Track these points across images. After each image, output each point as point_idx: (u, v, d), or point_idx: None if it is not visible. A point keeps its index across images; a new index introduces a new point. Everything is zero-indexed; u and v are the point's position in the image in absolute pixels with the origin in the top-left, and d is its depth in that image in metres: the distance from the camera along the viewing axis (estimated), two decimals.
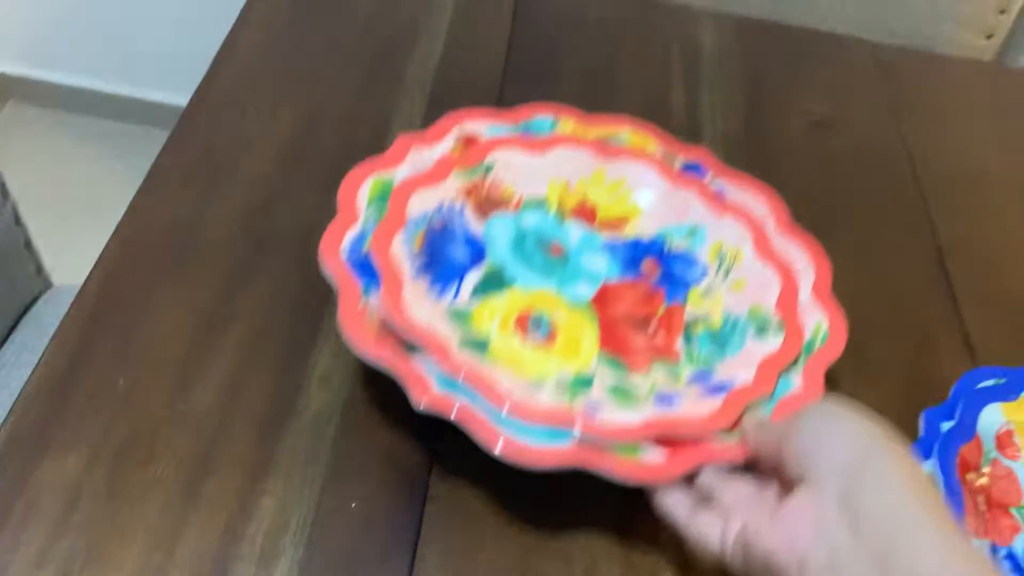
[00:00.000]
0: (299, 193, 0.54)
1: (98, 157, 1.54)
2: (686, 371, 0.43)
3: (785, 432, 0.35)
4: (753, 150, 0.63)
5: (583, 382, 0.42)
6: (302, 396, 0.44)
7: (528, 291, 0.45)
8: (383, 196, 0.45)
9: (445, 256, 0.45)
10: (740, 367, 0.42)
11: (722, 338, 0.45)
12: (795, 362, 0.43)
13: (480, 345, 0.42)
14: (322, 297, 0.49)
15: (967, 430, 0.45)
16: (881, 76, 0.71)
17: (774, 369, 0.42)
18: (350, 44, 0.64)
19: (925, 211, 0.61)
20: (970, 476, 0.44)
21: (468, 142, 0.49)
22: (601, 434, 0.38)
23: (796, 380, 0.42)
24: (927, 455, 0.45)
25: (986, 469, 0.45)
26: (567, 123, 0.52)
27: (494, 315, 0.44)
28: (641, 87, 0.66)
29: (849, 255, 0.57)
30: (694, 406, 0.40)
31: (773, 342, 0.43)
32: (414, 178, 0.46)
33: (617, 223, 0.50)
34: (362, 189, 0.45)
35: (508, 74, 0.64)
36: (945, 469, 0.43)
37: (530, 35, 0.68)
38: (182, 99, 0.58)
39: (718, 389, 0.41)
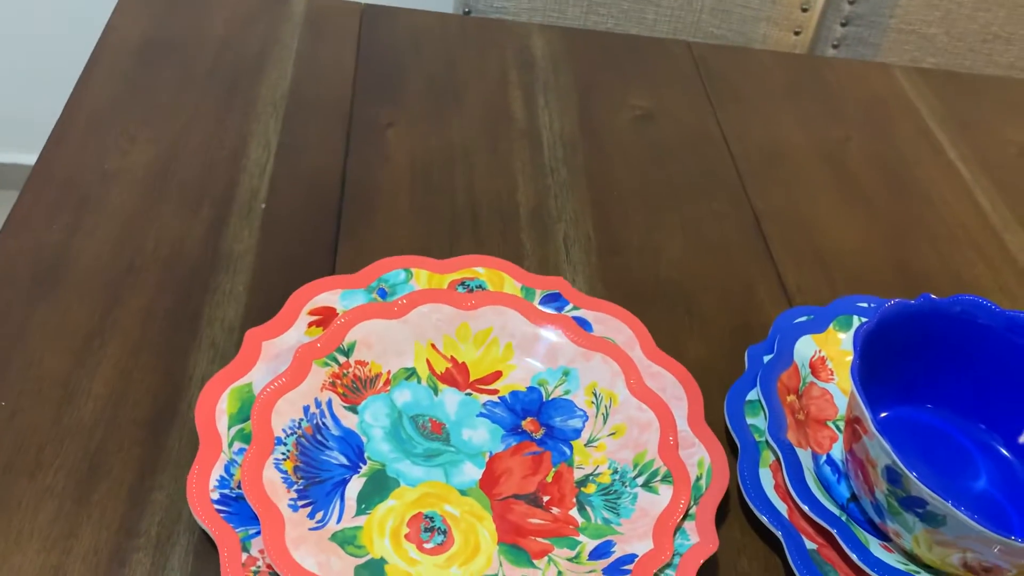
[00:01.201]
0: (163, 217, 0.56)
1: None
2: (587, 546, 0.44)
3: None
4: (588, 146, 0.69)
5: None
6: (184, 398, 0.47)
7: (415, 488, 0.45)
8: (244, 410, 0.45)
9: (322, 467, 0.44)
10: (637, 533, 0.44)
11: (613, 496, 0.46)
12: (687, 512, 0.45)
13: (375, 568, 0.41)
14: (194, 308, 0.51)
15: (785, 359, 0.52)
16: (697, 71, 0.79)
17: (669, 530, 0.43)
18: (202, 75, 0.68)
19: (741, 184, 0.68)
20: (790, 398, 0.51)
21: (323, 320, 0.50)
22: None
23: (692, 534, 0.44)
24: (752, 386, 0.51)
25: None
26: (420, 275, 0.53)
27: (384, 528, 0.43)
28: (482, 98, 0.72)
29: (678, 227, 0.64)
30: None
31: (663, 495, 0.45)
32: (273, 387, 0.45)
33: (491, 378, 0.51)
34: (219, 406, 0.44)
35: (357, 93, 0.69)
36: (767, 395, 0.50)
37: (375, 56, 0.73)
38: (26, 159, 0.59)
39: (621, 564, 0.42)
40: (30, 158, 0.59)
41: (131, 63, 0.67)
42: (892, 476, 0.42)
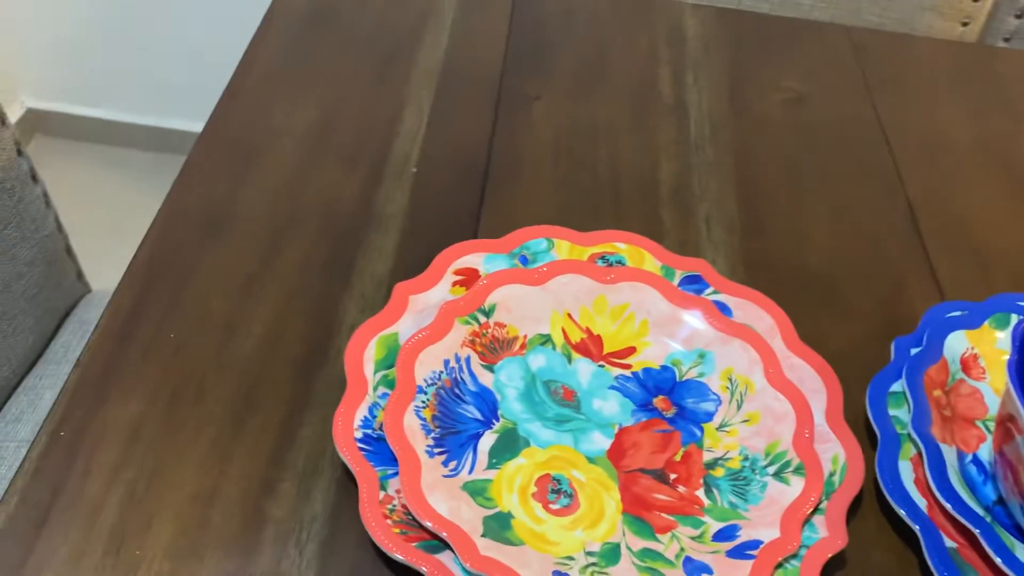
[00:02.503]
0: (322, 174, 0.59)
1: (118, 182, 1.61)
2: (711, 527, 0.44)
3: None
4: (735, 125, 0.68)
5: (611, 553, 0.42)
6: (333, 343, 0.50)
7: (544, 450, 0.46)
8: (389, 357, 0.47)
9: (458, 420, 0.46)
10: (764, 520, 0.43)
11: (742, 482, 0.46)
12: (817, 506, 0.44)
13: (503, 521, 0.42)
14: (347, 261, 0.54)
15: (934, 353, 0.50)
16: (855, 56, 0.76)
17: (798, 521, 0.43)
18: (362, 45, 0.70)
19: (896, 172, 0.66)
20: (936, 393, 0.49)
21: (466, 280, 0.51)
22: None
23: (820, 528, 0.43)
24: (897, 377, 0.50)
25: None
26: (561, 245, 0.54)
27: (513, 484, 0.44)
28: (631, 73, 0.72)
29: (827, 212, 0.62)
30: (725, 573, 0.41)
31: (794, 487, 0.44)
32: (418, 339, 0.47)
33: (624, 353, 0.51)
34: (368, 352, 0.47)
35: (507, 66, 0.70)
36: (913, 387, 0.48)
37: (527, 30, 0.74)
38: (192, 127, 0.62)
39: (746, 548, 0.42)
40: (200, 126, 0.63)
41: (297, 30, 0.71)
42: None
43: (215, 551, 0.41)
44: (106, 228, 1.44)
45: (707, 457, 0.47)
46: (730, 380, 0.49)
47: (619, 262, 0.55)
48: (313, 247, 0.54)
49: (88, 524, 0.41)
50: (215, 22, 1.49)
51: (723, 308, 0.53)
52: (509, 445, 0.46)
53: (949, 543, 0.43)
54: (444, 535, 0.40)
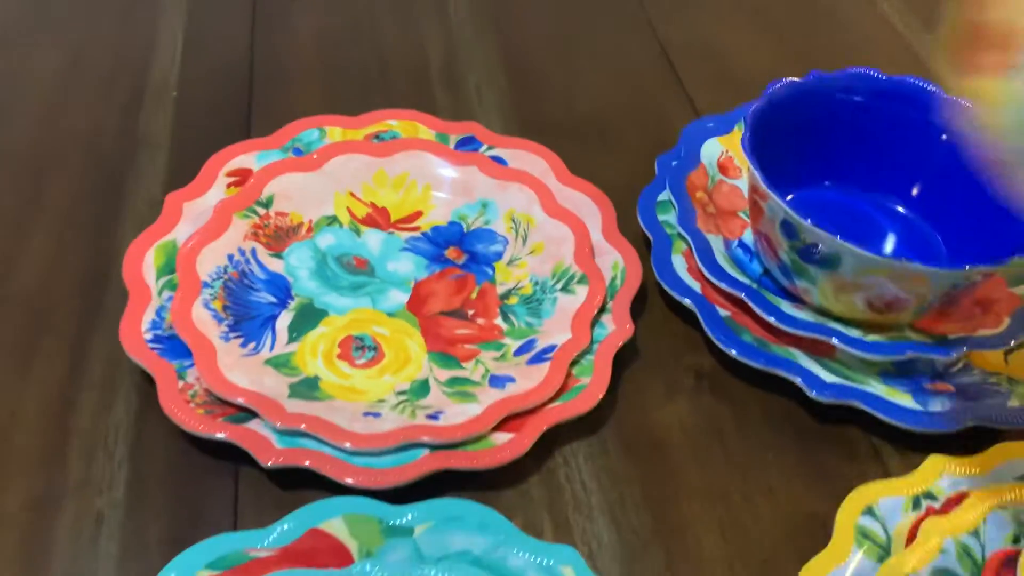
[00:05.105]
0: (74, 116, 0.57)
1: None
2: (512, 346, 0.46)
3: None
4: (492, 4, 0.70)
5: (420, 387, 0.44)
6: (114, 267, 0.48)
7: (344, 315, 0.47)
8: (170, 263, 0.46)
9: (251, 306, 0.46)
10: (557, 328, 0.46)
11: (535, 303, 0.48)
12: (603, 307, 0.47)
13: (310, 384, 0.43)
14: (116, 185, 0.53)
15: (693, 160, 0.54)
16: None
17: (586, 321, 0.46)
18: None
19: (647, 19, 0.70)
20: (699, 195, 0.53)
21: (240, 180, 0.51)
22: (447, 438, 0.40)
23: (609, 324, 0.46)
24: (661, 189, 0.53)
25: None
26: (334, 132, 0.55)
27: (316, 351, 0.45)
28: None
29: (589, 64, 0.66)
30: (526, 378, 0.43)
31: (580, 294, 0.47)
32: (196, 238, 0.47)
33: (412, 218, 0.52)
34: (146, 261, 0.46)
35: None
36: (677, 192, 0.51)
37: None
38: None
39: (543, 354, 0.45)
40: None
41: None
42: (788, 230, 0.44)
43: (18, 475, 0.40)
44: None
45: (501, 290, 0.49)
46: (513, 220, 0.52)
47: (394, 138, 0.56)
48: (78, 183, 0.53)
49: None
50: None
51: (499, 161, 0.55)
52: (308, 319, 0.47)
53: (723, 312, 0.47)
54: (242, 401, 0.40)
